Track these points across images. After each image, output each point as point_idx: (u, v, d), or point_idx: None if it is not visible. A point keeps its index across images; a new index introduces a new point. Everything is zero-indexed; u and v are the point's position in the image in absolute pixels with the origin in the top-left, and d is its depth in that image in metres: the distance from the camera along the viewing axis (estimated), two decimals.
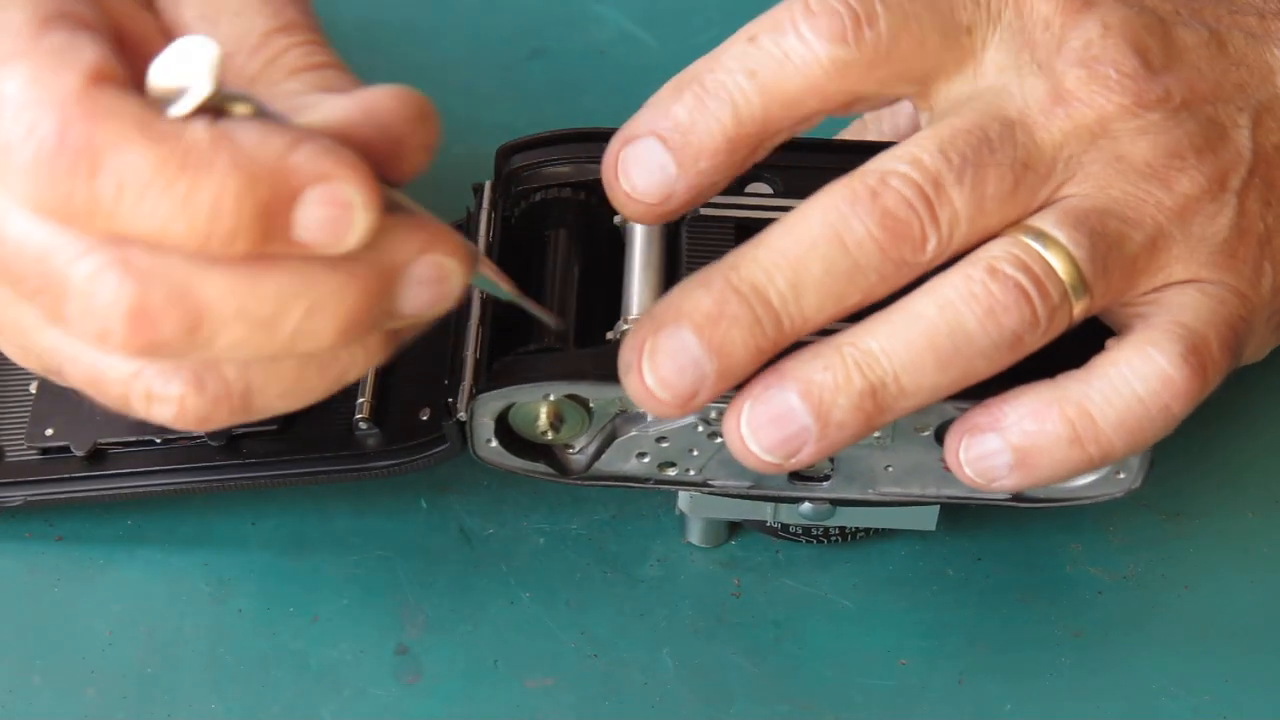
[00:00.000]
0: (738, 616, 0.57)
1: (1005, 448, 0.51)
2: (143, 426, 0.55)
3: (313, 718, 0.54)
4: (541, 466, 0.54)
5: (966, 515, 0.59)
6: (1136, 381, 0.50)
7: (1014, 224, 0.50)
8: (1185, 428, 0.60)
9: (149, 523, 0.58)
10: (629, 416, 0.53)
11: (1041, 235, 0.49)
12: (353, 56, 0.70)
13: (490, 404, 0.52)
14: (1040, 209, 0.50)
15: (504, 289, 0.49)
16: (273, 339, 0.43)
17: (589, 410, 0.52)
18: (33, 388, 0.58)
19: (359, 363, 0.46)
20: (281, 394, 0.46)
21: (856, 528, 0.57)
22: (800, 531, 0.57)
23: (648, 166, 0.51)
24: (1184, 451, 0.60)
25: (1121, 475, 0.54)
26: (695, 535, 0.58)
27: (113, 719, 0.54)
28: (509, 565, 0.58)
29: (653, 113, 0.51)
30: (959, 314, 0.49)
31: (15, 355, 0.48)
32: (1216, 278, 0.51)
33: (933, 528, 0.56)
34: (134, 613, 0.56)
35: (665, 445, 0.53)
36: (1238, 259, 0.51)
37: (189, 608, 0.57)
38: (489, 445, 0.53)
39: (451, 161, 0.65)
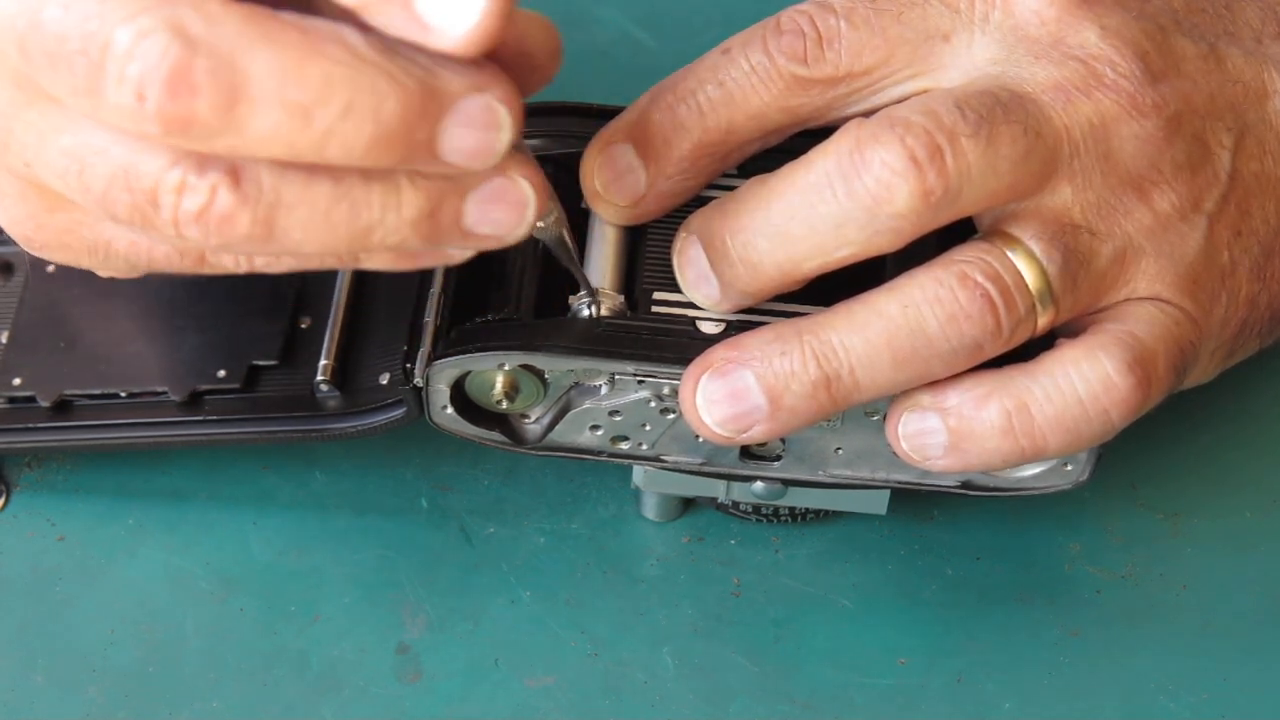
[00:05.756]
0: (738, 616, 0.57)
1: (942, 428, 0.51)
2: (108, 380, 0.57)
3: (314, 716, 0.55)
4: (496, 435, 0.54)
5: (965, 514, 0.59)
6: (1080, 383, 0.50)
7: (1000, 222, 0.50)
8: (1184, 428, 0.60)
9: (150, 522, 0.58)
10: (583, 389, 0.53)
11: (1017, 244, 0.50)
12: None
13: (446, 371, 0.53)
14: (1038, 194, 0.50)
15: (567, 242, 0.50)
16: (306, 132, 0.43)
17: (544, 381, 0.53)
18: (3, 337, 0.59)
19: (389, 220, 0.45)
20: (306, 224, 0.45)
21: (807, 508, 0.57)
22: (751, 510, 0.58)
23: (619, 170, 0.52)
24: (1183, 452, 0.60)
25: (1069, 467, 0.54)
26: (650, 510, 0.58)
27: (114, 717, 0.54)
28: (509, 564, 0.58)
29: (628, 118, 0.53)
30: (922, 316, 0.49)
31: (17, 188, 0.47)
32: (1176, 300, 0.51)
33: (883, 511, 0.57)
34: (136, 611, 0.56)
35: (618, 419, 0.53)
36: (1199, 285, 0.52)
37: (190, 606, 0.57)
38: (444, 412, 0.54)
39: None
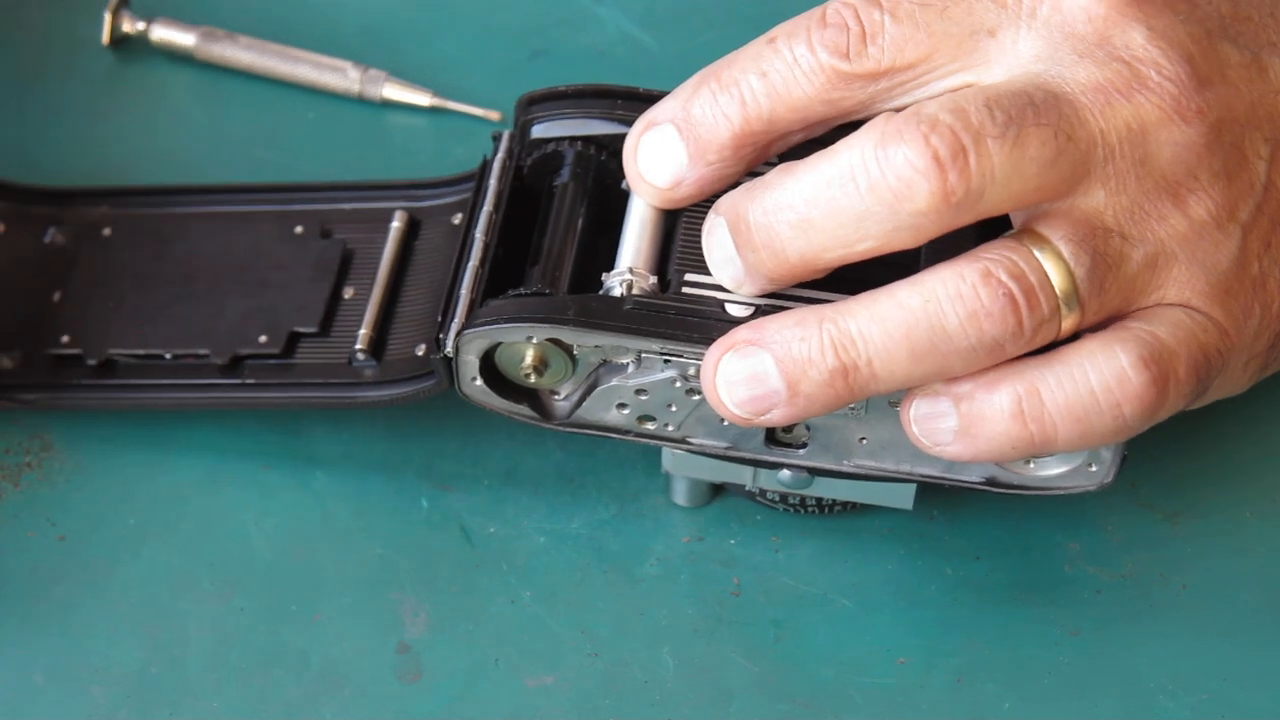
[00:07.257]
0: (738, 616, 0.57)
1: (953, 412, 0.51)
2: (153, 341, 0.58)
3: (314, 716, 0.55)
4: (525, 409, 0.55)
5: (965, 514, 0.59)
6: (1093, 374, 0.50)
7: (1031, 221, 0.50)
8: (1185, 427, 0.60)
9: (151, 521, 0.58)
10: (611, 366, 0.53)
11: (1045, 244, 0.49)
12: (355, 58, 0.71)
13: (475, 341, 0.53)
14: (1071, 196, 0.50)
15: None
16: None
17: (572, 357, 0.53)
18: (56, 296, 0.60)
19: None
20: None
21: (833, 500, 0.57)
22: (778, 499, 0.58)
23: (661, 153, 0.53)
24: (1183, 451, 0.60)
25: (1094, 468, 0.54)
26: (679, 495, 0.59)
27: (115, 717, 0.55)
28: (509, 564, 0.58)
29: (673, 102, 0.53)
30: (942, 312, 0.49)
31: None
32: (1206, 309, 0.51)
33: (909, 506, 0.57)
34: (136, 611, 0.57)
35: (644, 398, 0.53)
36: (1230, 295, 0.51)
37: (191, 606, 0.57)
38: (474, 383, 0.54)
39: (452, 164, 0.66)
